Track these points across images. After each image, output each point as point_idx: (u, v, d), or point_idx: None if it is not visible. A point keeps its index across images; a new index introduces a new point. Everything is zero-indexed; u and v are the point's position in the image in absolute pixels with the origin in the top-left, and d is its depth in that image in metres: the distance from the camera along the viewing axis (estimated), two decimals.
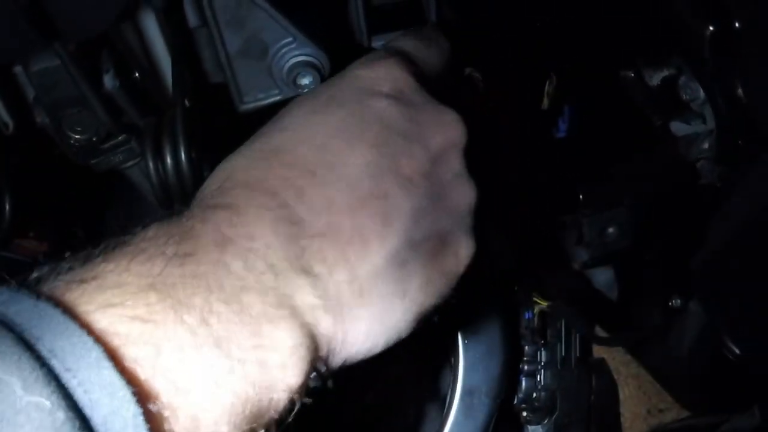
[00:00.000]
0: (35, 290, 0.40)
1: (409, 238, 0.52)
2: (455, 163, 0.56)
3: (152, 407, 0.39)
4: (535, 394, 1.16)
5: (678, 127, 0.81)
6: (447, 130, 0.56)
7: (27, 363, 0.35)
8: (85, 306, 0.40)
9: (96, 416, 0.36)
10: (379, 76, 0.56)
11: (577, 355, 1.17)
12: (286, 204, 0.49)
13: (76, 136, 0.71)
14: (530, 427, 1.19)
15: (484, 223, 0.59)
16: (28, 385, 0.34)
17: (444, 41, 0.66)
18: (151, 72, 0.70)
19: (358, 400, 1.06)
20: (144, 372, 0.40)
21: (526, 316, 1.13)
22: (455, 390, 1.00)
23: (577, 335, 1.16)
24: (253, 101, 0.75)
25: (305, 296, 0.47)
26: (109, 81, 0.69)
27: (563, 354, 1.16)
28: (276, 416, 0.46)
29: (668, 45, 0.74)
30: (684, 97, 0.78)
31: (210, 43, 0.71)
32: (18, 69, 0.70)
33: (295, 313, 0.46)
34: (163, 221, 0.47)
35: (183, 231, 0.46)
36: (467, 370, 1.01)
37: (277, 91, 0.74)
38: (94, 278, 0.42)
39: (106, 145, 0.74)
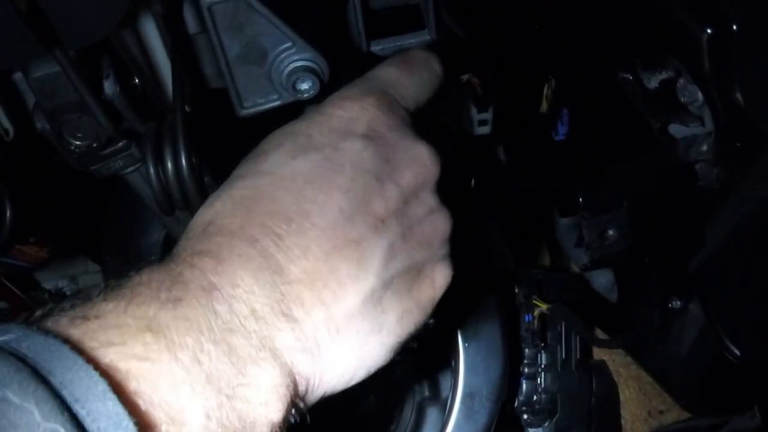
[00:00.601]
0: (43, 327, 0.45)
1: (383, 276, 0.55)
2: (427, 198, 0.59)
3: None
4: (535, 397, 1.16)
5: (676, 130, 0.81)
6: (419, 167, 0.58)
7: (43, 393, 0.39)
8: (90, 343, 0.45)
9: None
10: (353, 117, 0.58)
11: (578, 357, 1.17)
12: (266, 252, 0.52)
13: (77, 142, 0.71)
14: (531, 430, 1.19)
15: (463, 244, 0.61)
16: (45, 413, 0.39)
17: (433, 64, 0.67)
18: (151, 78, 0.70)
19: (359, 404, 1.06)
20: (144, 404, 0.44)
21: (527, 319, 1.14)
22: (456, 393, 1.00)
23: (577, 337, 1.16)
24: (252, 106, 0.75)
25: (284, 338, 0.51)
26: (109, 87, 0.69)
27: (563, 356, 1.16)
28: None
29: (666, 48, 0.74)
30: (682, 99, 0.78)
31: (209, 49, 0.71)
32: (18, 75, 0.70)
33: (275, 354, 0.51)
34: (154, 266, 0.51)
35: (173, 277, 0.50)
36: (468, 373, 1.01)
37: (276, 96, 0.74)
38: (96, 317, 0.46)
39: (107, 151, 0.74)
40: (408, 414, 1.08)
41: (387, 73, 0.64)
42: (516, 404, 1.16)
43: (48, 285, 1.42)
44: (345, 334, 0.54)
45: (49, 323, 0.46)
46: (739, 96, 0.65)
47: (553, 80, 0.95)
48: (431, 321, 0.60)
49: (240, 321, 0.50)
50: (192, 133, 0.63)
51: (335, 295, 0.53)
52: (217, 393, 0.47)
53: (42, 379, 0.40)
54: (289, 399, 0.51)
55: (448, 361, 1.05)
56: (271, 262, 0.52)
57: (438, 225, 0.59)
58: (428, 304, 0.59)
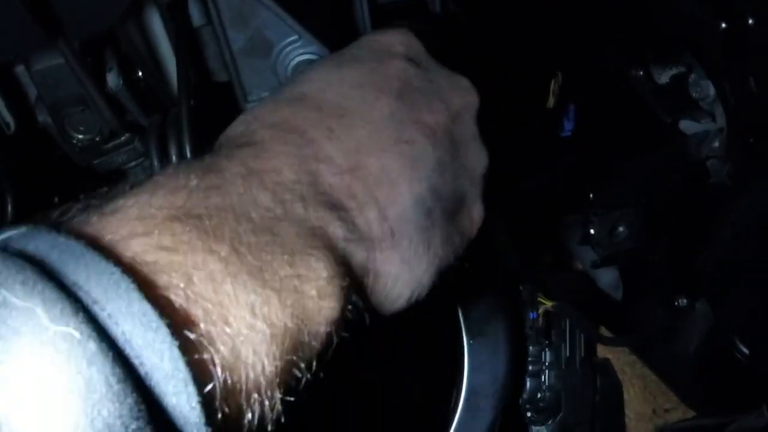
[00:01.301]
0: (55, 224, 0.38)
1: (433, 186, 0.53)
2: (471, 125, 0.58)
3: (188, 338, 0.36)
4: (539, 395, 1.16)
5: (687, 126, 0.81)
6: (463, 93, 0.58)
7: (51, 293, 0.32)
8: (109, 237, 0.38)
9: (129, 348, 0.33)
10: (396, 41, 0.59)
11: (582, 355, 1.17)
12: (315, 142, 0.49)
13: (79, 136, 0.71)
14: (535, 428, 1.19)
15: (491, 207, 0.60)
16: (54, 316, 0.31)
17: (450, 27, 0.69)
18: (155, 70, 0.69)
19: (364, 401, 1.05)
20: (176, 302, 0.37)
21: (531, 317, 1.13)
22: (461, 390, 1.00)
23: (582, 335, 1.15)
24: (257, 100, 0.74)
25: (337, 229, 0.47)
26: (112, 79, 0.68)
27: (568, 354, 1.16)
28: (317, 349, 0.44)
29: (679, 43, 0.73)
30: (694, 95, 0.77)
31: (214, 42, 0.71)
32: (20, 68, 0.69)
33: (329, 244, 0.46)
34: (182, 162, 0.47)
35: (206, 165, 0.45)
36: (472, 371, 1.00)
37: None
38: (114, 211, 0.40)
39: (109, 145, 0.73)
40: (413, 411, 1.08)
41: (414, 23, 0.64)
42: (520, 402, 1.15)
43: None
44: (398, 238, 0.51)
45: (63, 223, 0.39)
46: (754, 91, 0.64)
47: (560, 75, 0.94)
48: (466, 264, 0.59)
49: (285, 209, 0.45)
50: (197, 126, 0.62)
51: (387, 194, 0.50)
52: (262, 287, 0.41)
53: (50, 277, 0.33)
54: (345, 293, 0.45)
55: (453, 358, 1.04)
56: (320, 152, 0.49)
57: (480, 156, 0.59)
58: (466, 237, 0.58)
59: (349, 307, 0.46)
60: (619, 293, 1.19)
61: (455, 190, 0.56)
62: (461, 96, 0.58)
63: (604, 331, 1.23)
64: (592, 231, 0.81)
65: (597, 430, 1.20)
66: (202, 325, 0.37)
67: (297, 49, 0.71)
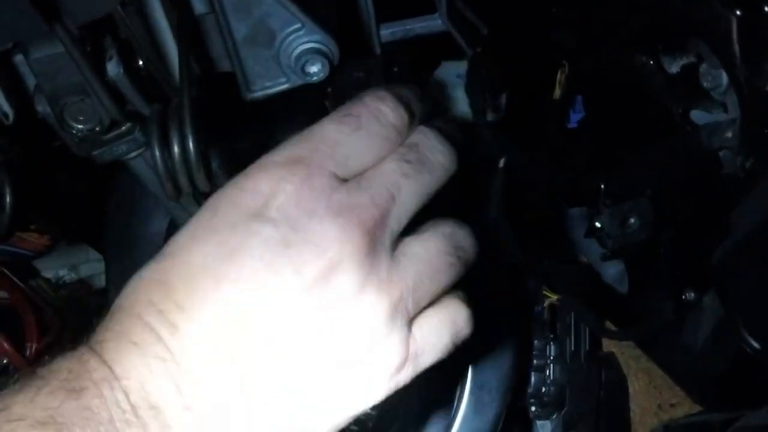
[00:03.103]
0: None
1: None
2: (340, 285, 0.52)
3: None
4: (544, 389, 1.15)
5: (698, 116, 0.80)
6: (328, 252, 0.52)
7: None
8: None
9: None
10: (265, 194, 0.53)
11: (587, 349, 1.16)
12: (161, 340, 0.52)
13: (79, 126, 0.70)
14: (539, 422, 1.18)
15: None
16: None
17: (387, 116, 0.57)
18: (156, 59, 0.68)
19: None
20: None
21: (536, 310, 1.12)
22: (465, 385, 0.99)
23: (587, 329, 1.14)
24: (260, 89, 0.73)
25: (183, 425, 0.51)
26: (112, 68, 0.67)
27: (572, 348, 1.15)
28: None
29: (692, 31, 0.72)
30: (705, 85, 0.76)
31: (216, 30, 0.70)
32: (19, 57, 0.68)
33: None
34: (66, 355, 0.52)
35: (81, 364, 0.51)
36: (477, 365, 0.99)
37: (284, 79, 0.73)
38: (3, 409, 0.48)
39: (109, 135, 0.72)
40: (417, 406, 1.07)
41: (325, 131, 0.56)
42: (524, 396, 1.15)
43: (48, 274, 1.41)
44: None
45: None
46: None
47: (566, 65, 0.93)
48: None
49: (137, 413, 0.50)
50: (199, 116, 0.61)
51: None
52: None
53: None
54: None
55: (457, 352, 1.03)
56: (166, 352, 0.51)
57: (347, 318, 0.53)
58: None
59: None
60: (625, 286, 1.18)
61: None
62: (325, 259, 0.51)
63: (609, 325, 1.22)
64: (601, 223, 0.80)
65: (601, 424, 1.20)
66: None
67: (300, 37, 0.70)
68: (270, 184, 0.53)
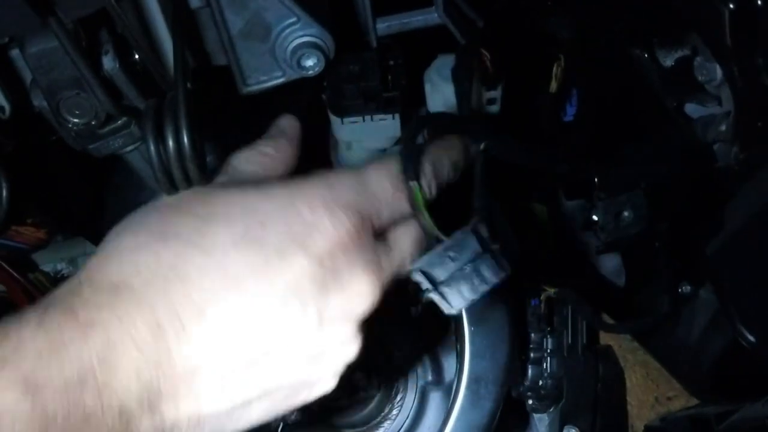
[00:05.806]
0: None
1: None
2: (344, 332, 0.59)
3: None
4: (541, 382, 1.15)
5: (693, 110, 0.80)
6: (354, 303, 0.59)
7: None
8: None
9: None
10: (319, 230, 0.57)
11: (584, 342, 1.15)
12: (165, 340, 0.53)
13: (75, 120, 0.70)
14: (536, 415, 1.18)
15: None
16: None
17: (456, 158, 0.68)
18: (152, 53, 0.68)
19: (364, 393, 1.05)
20: None
21: (533, 303, 1.12)
22: (462, 378, 0.99)
23: (584, 322, 1.14)
24: (256, 83, 0.73)
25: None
26: (108, 62, 0.67)
27: (570, 341, 1.15)
28: None
29: (685, 24, 0.72)
30: (699, 78, 0.76)
31: (212, 24, 0.70)
32: (15, 52, 0.68)
33: None
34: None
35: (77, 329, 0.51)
36: (474, 358, 0.99)
37: (280, 73, 0.73)
38: None
39: (105, 129, 0.73)
40: (411, 398, 1.07)
41: (381, 189, 0.62)
42: (521, 389, 1.14)
43: (46, 267, 1.41)
44: None
45: None
46: (763, 74, 0.63)
47: (562, 59, 0.93)
48: None
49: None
50: (194, 110, 0.61)
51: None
52: None
53: None
54: None
55: (452, 344, 1.03)
56: (161, 355, 0.52)
57: (340, 356, 0.60)
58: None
59: None
60: (622, 279, 1.18)
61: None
62: (348, 309, 0.58)
63: (606, 318, 1.22)
64: (596, 216, 0.80)
65: (599, 418, 1.20)
66: None
67: (296, 31, 0.70)
68: (326, 222, 0.57)
